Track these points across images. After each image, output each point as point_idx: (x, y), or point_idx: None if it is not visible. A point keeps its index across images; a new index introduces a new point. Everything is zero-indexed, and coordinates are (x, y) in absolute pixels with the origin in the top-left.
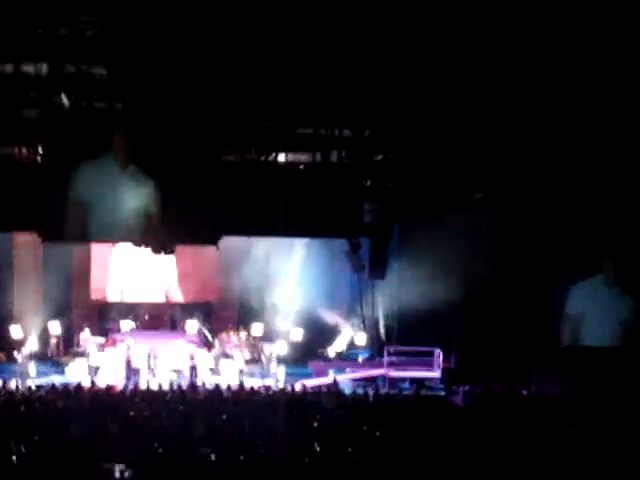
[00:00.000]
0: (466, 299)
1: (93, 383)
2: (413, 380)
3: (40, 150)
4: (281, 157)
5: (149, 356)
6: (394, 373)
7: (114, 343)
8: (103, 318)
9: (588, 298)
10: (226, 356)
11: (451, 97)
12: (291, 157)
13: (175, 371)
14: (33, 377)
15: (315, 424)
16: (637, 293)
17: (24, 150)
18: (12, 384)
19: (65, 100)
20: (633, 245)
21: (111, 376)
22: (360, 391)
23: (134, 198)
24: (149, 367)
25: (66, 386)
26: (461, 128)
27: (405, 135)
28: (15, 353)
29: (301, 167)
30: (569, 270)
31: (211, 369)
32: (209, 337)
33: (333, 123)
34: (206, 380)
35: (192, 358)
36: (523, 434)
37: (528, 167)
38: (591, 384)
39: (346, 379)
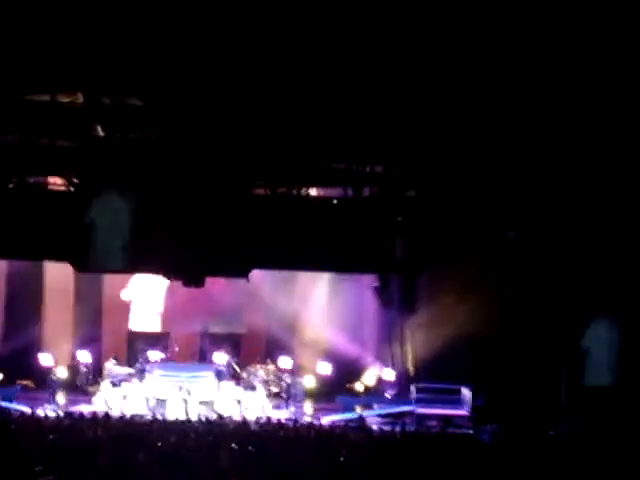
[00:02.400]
0: (495, 337)
1: (121, 413)
2: (441, 417)
3: (74, 180)
4: (312, 191)
5: (178, 387)
6: (422, 410)
7: (142, 373)
8: (132, 348)
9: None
10: (253, 389)
11: (482, 135)
12: (322, 192)
13: (203, 403)
14: (61, 405)
15: (341, 459)
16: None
17: (58, 179)
18: (40, 412)
19: (100, 131)
20: None
21: (139, 406)
22: (387, 427)
23: (165, 229)
24: (178, 398)
25: (94, 415)
26: (494, 164)
27: (436, 172)
28: (44, 381)
29: (333, 202)
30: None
31: (238, 401)
32: (237, 369)
33: (365, 159)
34: (233, 412)
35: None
36: (551, 474)
37: (557, 207)
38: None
39: (373, 415)
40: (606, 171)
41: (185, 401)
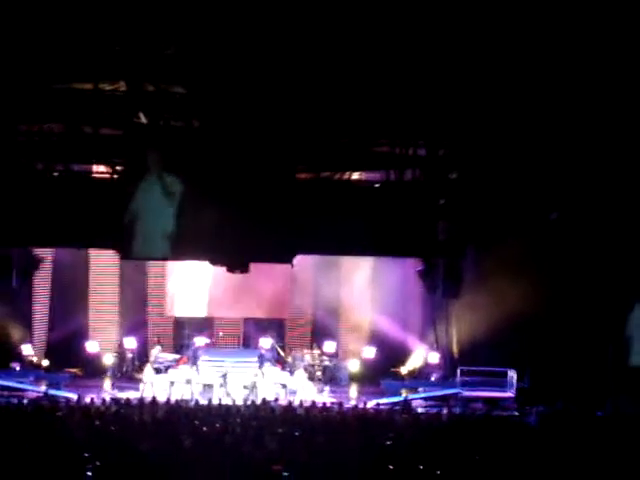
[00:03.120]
0: (540, 320)
1: (167, 399)
2: (486, 400)
3: (118, 167)
4: (355, 175)
5: (223, 372)
6: (467, 393)
7: (188, 359)
8: (178, 334)
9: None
10: (298, 373)
11: (525, 117)
12: (365, 176)
13: (248, 387)
14: (108, 392)
15: (387, 442)
16: None
17: (102, 167)
18: (87, 398)
19: (143, 118)
20: None
21: (185, 392)
22: (433, 410)
23: (209, 216)
24: (222, 383)
25: (141, 401)
26: (536, 146)
27: (478, 154)
28: (91, 368)
29: (376, 185)
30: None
31: (283, 385)
32: (282, 354)
33: (408, 142)
34: (279, 396)
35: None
36: (598, 455)
37: (601, 188)
38: None
39: (418, 398)
40: None
41: (229, 385)
